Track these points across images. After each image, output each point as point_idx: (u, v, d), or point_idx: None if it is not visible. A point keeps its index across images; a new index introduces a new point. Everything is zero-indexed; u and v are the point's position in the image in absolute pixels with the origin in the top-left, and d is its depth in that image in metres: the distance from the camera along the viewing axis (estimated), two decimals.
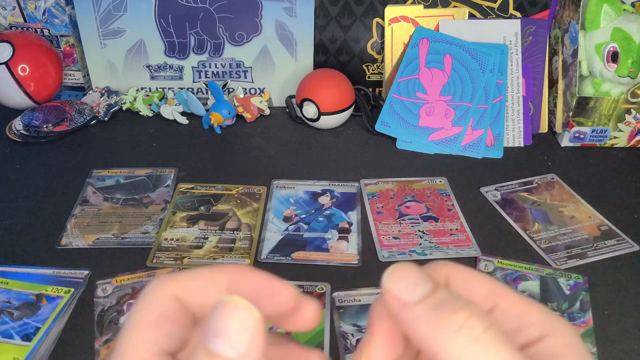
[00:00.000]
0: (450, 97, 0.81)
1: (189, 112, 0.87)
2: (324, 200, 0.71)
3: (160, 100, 0.88)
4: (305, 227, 0.67)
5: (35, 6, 0.87)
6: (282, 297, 0.20)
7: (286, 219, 0.68)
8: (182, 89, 0.91)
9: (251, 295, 0.19)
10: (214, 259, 0.61)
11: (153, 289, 0.19)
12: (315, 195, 0.72)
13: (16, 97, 0.84)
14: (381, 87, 0.92)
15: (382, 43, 0.89)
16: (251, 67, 0.90)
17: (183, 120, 0.87)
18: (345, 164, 0.78)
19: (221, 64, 0.89)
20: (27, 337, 0.51)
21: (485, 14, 0.86)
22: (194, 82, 0.91)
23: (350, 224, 0.67)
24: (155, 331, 0.18)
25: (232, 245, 0.63)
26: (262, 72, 0.90)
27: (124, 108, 0.89)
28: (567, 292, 0.58)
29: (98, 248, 0.63)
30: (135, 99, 0.89)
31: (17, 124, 0.83)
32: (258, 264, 0.61)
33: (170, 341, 0.19)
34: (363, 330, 0.54)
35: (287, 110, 0.90)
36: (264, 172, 0.76)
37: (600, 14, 0.77)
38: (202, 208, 0.69)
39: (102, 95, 0.88)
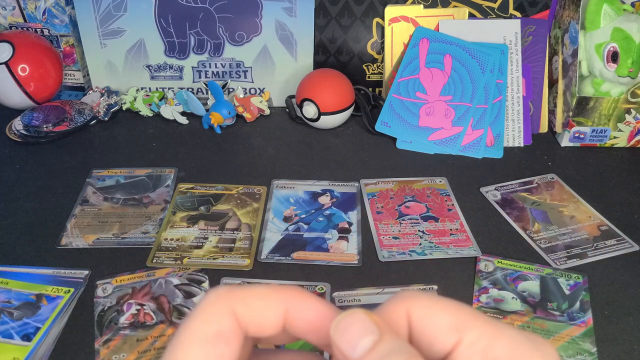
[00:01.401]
0: (450, 97, 0.81)
1: (189, 112, 0.87)
2: (324, 200, 0.71)
3: (160, 100, 0.88)
4: (305, 227, 0.67)
5: (35, 6, 0.87)
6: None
7: (286, 219, 0.68)
8: (182, 89, 0.91)
9: (306, 327, 0.19)
10: (214, 259, 0.61)
11: (214, 302, 0.19)
12: (315, 195, 0.72)
13: (16, 97, 0.84)
14: (381, 87, 0.92)
15: (382, 43, 0.89)
16: (251, 67, 0.90)
17: (183, 120, 0.87)
18: (345, 164, 0.78)
19: (221, 64, 0.89)
20: (27, 337, 0.51)
21: (485, 14, 0.86)
22: (194, 82, 0.91)
23: (350, 224, 0.67)
24: (211, 350, 0.18)
25: (232, 245, 0.63)
26: (262, 72, 0.90)
27: (124, 108, 0.89)
28: (567, 292, 0.58)
29: (98, 248, 0.63)
30: (135, 99, 0.88)
31: (17, 124, 0.83)
32: (258, 264, 0.61)
33: None
34: None
35: (287, 110, 0.90)
36: (264, 172, 0.76)
37: (600, 14, 0.77)
38: (202, 208, 0.69)
39: (102, 95, 0.88)
